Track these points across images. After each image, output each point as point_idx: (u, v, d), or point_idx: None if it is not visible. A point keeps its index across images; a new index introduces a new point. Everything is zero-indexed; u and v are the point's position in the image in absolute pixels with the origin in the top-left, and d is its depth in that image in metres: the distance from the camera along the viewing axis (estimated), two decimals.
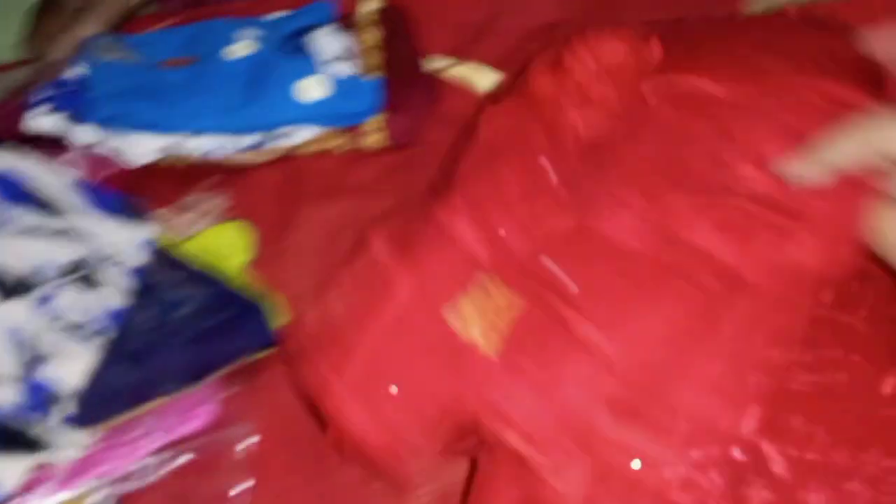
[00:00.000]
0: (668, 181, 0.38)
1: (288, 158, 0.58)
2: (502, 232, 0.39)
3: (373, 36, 0.61)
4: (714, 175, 0.38)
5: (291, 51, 0.58)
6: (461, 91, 0.61)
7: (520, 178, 0.41)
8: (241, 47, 0.58)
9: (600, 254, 0.37)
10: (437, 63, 0.62)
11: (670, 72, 0.41)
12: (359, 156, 0.58)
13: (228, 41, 0.59)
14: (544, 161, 0.41)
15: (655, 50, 0.43)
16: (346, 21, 0.62)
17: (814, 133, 0.36)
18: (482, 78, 0.61)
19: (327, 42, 0.58)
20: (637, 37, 0.43)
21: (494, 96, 0.47)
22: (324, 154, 0.58)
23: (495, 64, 0.61)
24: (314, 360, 0.38)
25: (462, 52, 0.62)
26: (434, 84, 0.60)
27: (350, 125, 0.56)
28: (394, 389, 0.36)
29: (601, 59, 0.43)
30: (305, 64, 0.56)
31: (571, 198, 0.39)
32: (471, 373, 0.36)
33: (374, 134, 0.57)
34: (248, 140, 0.55)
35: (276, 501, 0.46)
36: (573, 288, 0.36)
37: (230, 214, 0.56)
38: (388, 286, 0.38)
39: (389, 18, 0.62)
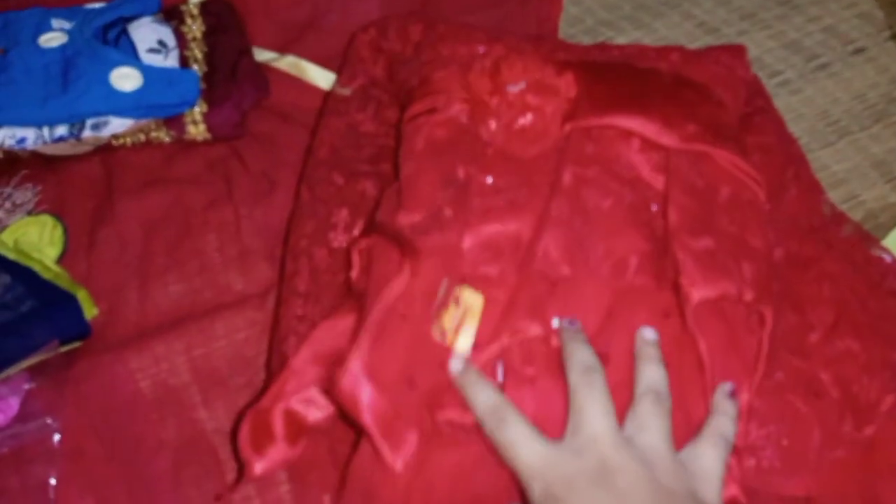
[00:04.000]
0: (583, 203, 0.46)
1: (108, 150, 0.57)
2: (462, 242, 0.44)
3: (197, 28, 0.61)
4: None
5: (110, 40, 0.57)
6: (293, 83, 0.62)
7: (458, 188, 0.45)
8: (57, 36, 0.57)
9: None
10: (266, 55, 0.63)
11: (588, 112, 0.48)
12: (183, 147, 0.58)
13: (44, 29, 0.57)
14: (473, 170, 0.46)
15: (570, 85, 0.49)
16: (170, 13, 0.62)
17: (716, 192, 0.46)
18: (314, 73, 0.62)
19: (146, 33, 0.58)
20: (554, 70, 0.50)
21: (407, 99, 0.51)
22: (146, 146, 0.57)
23: (321, 61, 0.62)
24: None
25: (288, 47, 0.63)
26: (263, 76, 0.61)
27: (167, 116, 0.56)
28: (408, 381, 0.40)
29: (528, 83, 0.49)
30: (122, 54, 0.55)
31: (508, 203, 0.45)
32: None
33: (196, 126, 0.57)
34: (61, 130, 0.54)
35: (90, 492, 0.45)
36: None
37: (43, 207, 0.54)
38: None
39: (215, 11, 0.62)
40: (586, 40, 0.65)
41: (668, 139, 0.46)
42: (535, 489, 0.35)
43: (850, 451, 0.41)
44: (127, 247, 0.53)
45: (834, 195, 0.55)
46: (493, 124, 0.47)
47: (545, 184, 0.46)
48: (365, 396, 0.39)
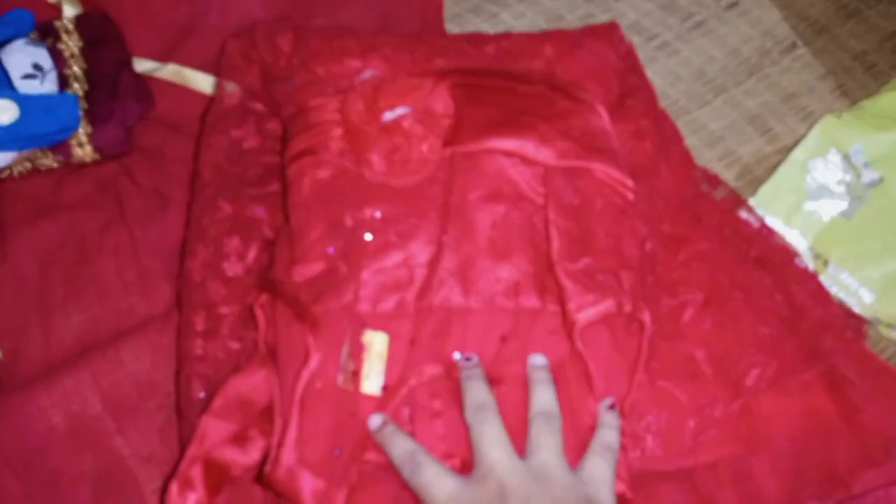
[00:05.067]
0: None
1: None
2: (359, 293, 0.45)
3: (73, 44, 0.60)
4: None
5: None
6: (178, 91, 0.61)
7: (347, 237, 0.46)
8: None
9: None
10: (147, 65, 0.62)
11: (466, 136, 0.49)
12: (71, 171, 0.57)
13: None
14: (361, 212, 0.47)
15: (447, 106, 0.50)
16: (44, 30, 0.60)
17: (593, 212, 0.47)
18: (198, 79, 0.62)
19: (20, 58, 0.56)
20: (431, 88, 0.50)
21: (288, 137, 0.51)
22: (33, 174, 0.57)
23: (205, 66, 0.61)
24: None
25: (170, 54, 0.62)
26: (146, 88, 0.60)
27: (51, 145, 0.55)
28: (336, 451, 0.42)
29: (405, 108, 0.49)
30: None
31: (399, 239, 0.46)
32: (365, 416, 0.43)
33: (82, 147, 0.56)
34: None
35: None
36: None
37: None
38: (303, 363, 0.43)
39: (91, 24, 0.61)
40: (471, 17, 0.66)
41: (544, 156, 0.48)
42: None
43: (722, 429, 0.44)
44: (24, 282, 0.52)
45: (711, 154, 0.57)
46: (374, 157, 0.48)
47: (433, 210, 0.47)
48: (304, 484, 0.41)
